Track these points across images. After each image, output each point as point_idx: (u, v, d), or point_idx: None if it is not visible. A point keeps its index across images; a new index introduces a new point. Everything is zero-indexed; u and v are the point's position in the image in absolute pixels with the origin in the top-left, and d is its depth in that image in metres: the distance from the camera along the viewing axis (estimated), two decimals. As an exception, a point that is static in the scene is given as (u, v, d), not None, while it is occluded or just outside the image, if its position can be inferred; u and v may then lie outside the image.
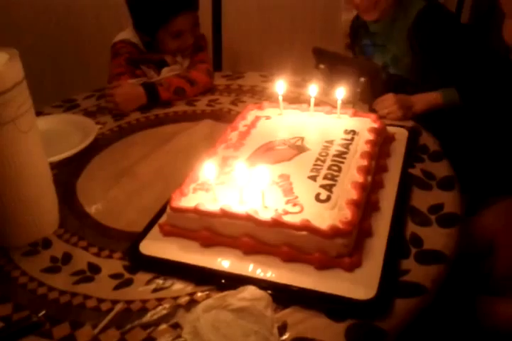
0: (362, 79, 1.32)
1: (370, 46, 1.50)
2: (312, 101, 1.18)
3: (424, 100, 1.32)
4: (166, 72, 1.56)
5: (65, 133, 1.32)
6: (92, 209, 1.05)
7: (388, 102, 1.28)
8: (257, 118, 1.21)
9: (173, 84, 1.48)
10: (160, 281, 0.84)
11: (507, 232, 1.06)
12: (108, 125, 1.39)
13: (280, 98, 1.21)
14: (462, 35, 1.34)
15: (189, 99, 1.50)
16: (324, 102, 1.28)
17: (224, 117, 1.38)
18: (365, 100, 1.33)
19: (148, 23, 1.53)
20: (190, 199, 0.93)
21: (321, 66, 1.40)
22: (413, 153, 1.12)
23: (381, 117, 1.21)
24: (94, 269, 0.88)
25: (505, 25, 0.86)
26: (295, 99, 1.37)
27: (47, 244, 0.96)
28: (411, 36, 1.36)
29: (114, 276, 0.86)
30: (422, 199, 0.98)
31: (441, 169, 1.07)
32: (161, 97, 1.46)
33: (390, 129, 1.17)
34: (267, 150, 1.07)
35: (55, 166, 1.14)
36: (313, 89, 1.18)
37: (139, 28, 1.58)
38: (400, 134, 1.17)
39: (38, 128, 0.94)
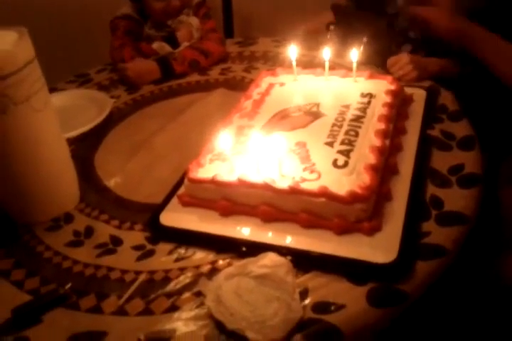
0: (364, 39, 1.27)
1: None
2: (327, 65, 1.16)
3: (439, 62, 1.27)
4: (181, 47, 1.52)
5: (80, 108, 1.32)
6: (111, 183, 1.06)
7: (402, 63, 1.24)
8: (271, 85, 1.19)
9: (187, 57, 1.46)
10: (181, 251, 0.85)
11: None
12: (122, 98, 1.39)
13: (294, 63, 1.18)
14: None
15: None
16: (339, 65, 1.25)
17: (238, 85, 1.36)
18: (374, 62, 1.28)
19: None
20: (208, 169, 0.93)
21: (331, 27, 1.35)
22: (432, 113, 1.09)
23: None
24: (117, 241, 0.90)
25: None
26: (309, 63, 1.34)
27: (69, 218, 0.97)
28: None
29: (136, 248, 0.88)
30: (441, 161, 0.97)
31: (461, 129, 1.05)
32: (176, 71, 1.44)
33: (408, 90, 1.14)
34: (282, 118, 1.06)
35: (72, 142, 1.14)
36: (326, 52, 1.15)
37: None
38: (418, 95, 1.14)
39: (53, 105, 0.94)
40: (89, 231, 0.93)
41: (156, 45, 1.47)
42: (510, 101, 1.24)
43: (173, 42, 1.49)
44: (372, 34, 1.26)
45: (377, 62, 1.27)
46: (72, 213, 0.98)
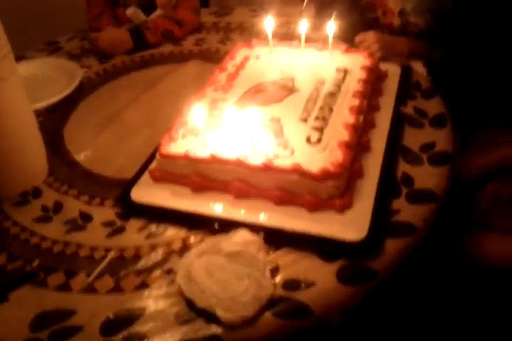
0: (333, 14, 1.20)
1: None
2: (303, 38, 1.14)
3: (409, 43, 1.26)
4: (155, 14, 1.47)
5: (49, 78, 1.28)
6: (81, 157, 1.04)
7: (370, 41, 1.22)
8: (246, 57, 1.16)
9: (160, 27, 1.41)
10: (153, 228, 0.85)
11: None
12: (93, 68, 1.35)
13: (270, 36, 1.16)
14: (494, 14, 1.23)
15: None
16: (315, 38, 1.23)
17: (212, 57, 1.33)
18: (344, 38, 1.25)
19: None
20: (180, 144, 0.91)
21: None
22: (405, 90, 1.09)
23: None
24: (86, 217, 0.89)
25: None
26: (286, 35, 1.31)
27: (37, 193, 0.95)
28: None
29: (106, 224, 0.87)
30: (413, 138, 0.97)
31: (433, 106, 1.05)
32: (149, 41, 1.40)
33: (382, 66, 1.13)
34: (257, 92, 1.04)
35: (40, 113, 1.11)
36: (303, 25, 1.13)
37: None
38: (393, 71, 1.13)
39: (20, 74, 0.91)
40: (58, 207, 0.92)
41: (129, 12, 1.43)
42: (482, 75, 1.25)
43: (151, 7, 1.45)
44: (342, 9, 1.24)
45: (347, 38, 1.25)
46: (41, 188, 0.97)
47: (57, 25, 1.85)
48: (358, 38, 1.24)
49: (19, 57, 1.27)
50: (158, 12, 1.45)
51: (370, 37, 1.23)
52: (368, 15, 1.39)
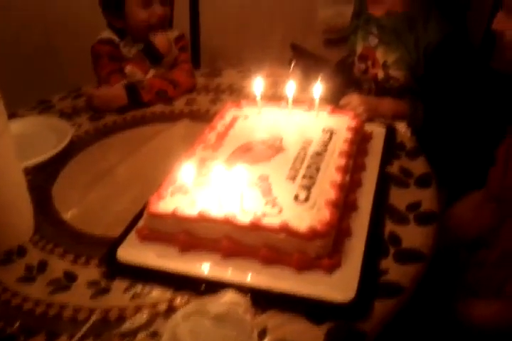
0: (320, 77, 1.26)
1: (375, 37, 1.42)
2: (290, 99, 1.18)
3: (392, 104, 1.31)
4: (151, 74, 1.52)
5: (39, 136, 1.29)
6: (68, 215, 1.03)
7: (354, 103, 1.27)
8: (235, 117, 1.20)
9: (155, 86, 1.45)
10: (138, 288, 0.83)
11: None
12: (84, 127, 1.37)
13: (258, 97, 1.20)
14: (467, 73, 1.31)
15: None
16: (302, 100, 1.27)
17: (202, 117, 1.36)
18: (330, 100, 1.30)
19: None
20: (168, 202, 0.91)
21: (293, 62, 1.39)
22: (390, 150, 1.12)
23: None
24: (71, 277, 0.87)
25: (498, 15, 0.87)
26: (273, 96, 1.35)
27: (22, 252, 0.94)
28: (428, 54, 1.32)
29: (91, 284, 0.85)
30: (399, 198, 0.98)
31: (418, 166, 1.07)
32: (143, 100, 1.44)
33: (367, 127, 1.16)
34: (246, 151, 1.06)
35: (29, 171, 1.12)
36: (290, 86, 1.17)
37: (107, 8, 1.53)
38: (378, 132, 1.16)
39: (11, 132, 0.92)
40: (42, 266, 0.90)
41: (128, 70, 1.47)
42: (464, 141, 1.29)
43: (153, 52, 1.50)
44: (327, 72, 1.29)
45: (333, 100, 1.29)
46: (26, 246, 0.95)
47: (50, 84, 1.89)
48: (342, 101, 1.29)
49: (11, 115, 1.28)
50: (152, 72, 1.50)
51: (354, 99, 1.28)
52: (359, 66, 1.46)
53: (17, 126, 1.28)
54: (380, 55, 1.41)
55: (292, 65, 1.39)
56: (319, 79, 1.18)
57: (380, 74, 1.41)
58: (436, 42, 1.28)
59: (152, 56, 1.51)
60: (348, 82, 1.58)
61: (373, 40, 1.41)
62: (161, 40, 1.53)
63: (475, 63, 1.33)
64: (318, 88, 1.15)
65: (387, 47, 1.38)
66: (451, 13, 1.33)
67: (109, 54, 1.52)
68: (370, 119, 1.23)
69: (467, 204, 1.16)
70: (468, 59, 1.31)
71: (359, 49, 1.47)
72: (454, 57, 1.29)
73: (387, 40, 1.38)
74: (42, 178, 1.15)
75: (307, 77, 1.33)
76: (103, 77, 1.49)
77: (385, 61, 1.40)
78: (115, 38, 1.55)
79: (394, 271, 0.82)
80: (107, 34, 1.57)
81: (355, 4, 1.53)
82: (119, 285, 0.84)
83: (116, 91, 1.43)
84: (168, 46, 1.54)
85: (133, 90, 1.43)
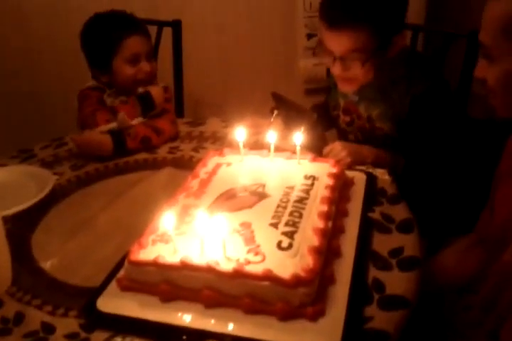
0: (302, 128, 1.25)
1: (356, 95, 1.44)
2: (272, 147, 1.20)
3: (373, 150, 1.34)
4: (137, 120, 1.53)
5: (19, 185, 1.28)
6: (47, 265, 1.01)
7: (337, 149, 1.29)
8: (218, 165, 1.21)
9: (139, 134, 1.47)
10: (118, 339, 0.81)
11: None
12: (65, 175, 1.36)
13: (241, 144, 1.22)
14: (448, 122, 1.34)
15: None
16: (283, 148, 1.29)
17: (185, 164, 1.37)
18: (312, 149, 1.31)
19: (101, 52, 1.55)
20: (150, 251, 0.90)
21: (275, 112, 1.42)
22: (372, 196, 1.13)
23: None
24: (48, 329, 0.84)
25: (479, 63, 0.91)
26: (255, 144, 1.38)
27: (-2, 303, 0.91)
28: (411, 108, 1.33)
29: (69, 336, 0.82)
30: (382, 243, 0.99)
31: (399, 212, 1.09)
32: (128, 147, 1.45)
33: (349, 173, 1.18)
34: (229, 198, 1.07)
35: (9, 220, 1.10)
36: (271, 135, 1.19)
37: (94, 65, 1.60)
38: (359, 178, 1.18)
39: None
40: (19, 318, 0.87)
41: (120, 116, 1.48)
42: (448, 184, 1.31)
43: (149, 102, 1.54)
44: (307, 123, 1.32)
45: (314, 149, 1.31)
46: (2, 298, 0.92)
47: (31, 133, 1.90)
48: (325, 150, 1.31)
49: (-9, 164, 1.29)
50: (139, 120, 1.53)
51: (336, 146, 1.30)
52: (344, 118, 1.49)
53: (-2, 174, 1.28)
54: (363, 109, 1.44)
55: (274, 114, 1.42)
56: (301, 128, 1.20)
57: (367, 126, 1.44)
58: (420, 93, 1.31)
59: (147, 105, 1.54)
60: (328, 127, 1.62)
61: (354, 97, 1.45)
62: (157, 91, 1.58)
63: (455, 111, 1.37)
64: (299, 137, 1.18)
65: (369, 103, 1.42)
66: (428, 70, 1.37)
67: (98, 97, 1.56)
68: (353, 164, 1.26)
69: (452, 249, 1.16)
70: (449, 108, 1.35)
71: (341, 103, 1.51)
72: (436, 106, 1.32)
73: (369, 96, 1.41)
74: (21, 227, 1.13)
75: (289, 125, 1.36)
76: (88, 114, 1.50)
77: (369, 115, 1.43)
78: (102, 87, 1.59)
79: (379, 317, 0.81)
80: (93, 83, 1.61)
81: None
82: (98, 336, 0.82)
83: (101, 139, 1.43)
84: (163, 98, 1.59)
85: (119, 137, 1.44)
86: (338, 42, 1.26)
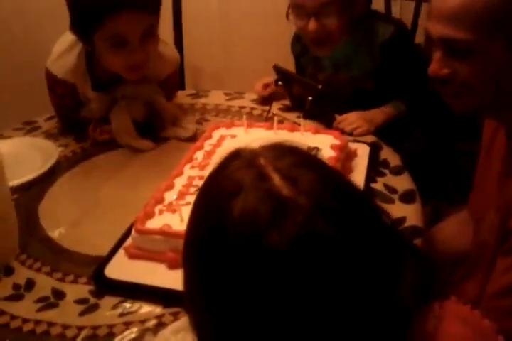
0: (309, 98, 1.29)
1: (330, 67, 1.47)
2: (275, 119, 1.20)
3: (381, 112, 1.35)
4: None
5: (26, 156, 1.29)
6: (56, 234, 1.03)
7: (352, 118, 1.30)
8: (223, 137, 1.21)
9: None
10: (127, 305, 0.83)
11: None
12: (70, 147, 1.37)
13: (244, 117, 1.22)
14: (420, 60, 1.36)
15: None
16: (287, 119, 1.30)
17: (189, 136, 1.37)
18: (319, 121, 1.33)
19: (82, 23, 1.16)
20: (156, 220, 0.92)
21: (280, 83, 1.41)
22: (375, 168, 1.14)
23: (347, 133, 1.25)
24: (59, 295, 0.87)
25: (443, 58, 0.80)
26: (260, 117, 1.38)
27: (9, 270, 0.93)
28: (383, 56, 1.37)
29: (79, 301, 0.85)
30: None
31: (402, 182, 1.10)
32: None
33: (352, 145, 1.19)
34: (233, 169, 1.08)
35: (16, 190, 1.11)
36: (275, 106, 1.20)
37: (73, 29, 1.20)
38: (362, 150, 1.19)
39: (-2, 152, 0.93)
40: (30, 284, 0.89)
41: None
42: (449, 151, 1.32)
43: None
44: (313, 95, 1.32)
45: (322, 120, 1.32)
46: (13, 265, 0.94)
47: (35, 105, 1.89)
48: (339, 118, 1.32)
49: (-3, 136, 1.29)
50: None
51: (351, 115, 1.31)
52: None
53: (4, 146, 1.28)
54: (342, 75, 1.45)
55: (279, 86, 1.41)
56: (307, 99, 1.21)
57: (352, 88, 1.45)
58: (388, 40, 1.35)
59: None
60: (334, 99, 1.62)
61: (329, 69, 1.46)
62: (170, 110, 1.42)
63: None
64: (305, 108, 1.18)
65: (346, 66, 1.43)
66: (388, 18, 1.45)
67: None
68: (371, 131, 1.28)
69: (454, 220, 1.18)
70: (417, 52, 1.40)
71: (320, 77, 1.50)
72: (407, 46, 1.39)
73: (343, 59, 1.43)
74: (29, 197, 1.14)
75: (294, 97, 1.36)
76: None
77: (351, 77, 1.44)
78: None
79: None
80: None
81: (293, 47, 1.58)
82: (107, 302, 0.84)
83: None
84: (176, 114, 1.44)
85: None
86: None
